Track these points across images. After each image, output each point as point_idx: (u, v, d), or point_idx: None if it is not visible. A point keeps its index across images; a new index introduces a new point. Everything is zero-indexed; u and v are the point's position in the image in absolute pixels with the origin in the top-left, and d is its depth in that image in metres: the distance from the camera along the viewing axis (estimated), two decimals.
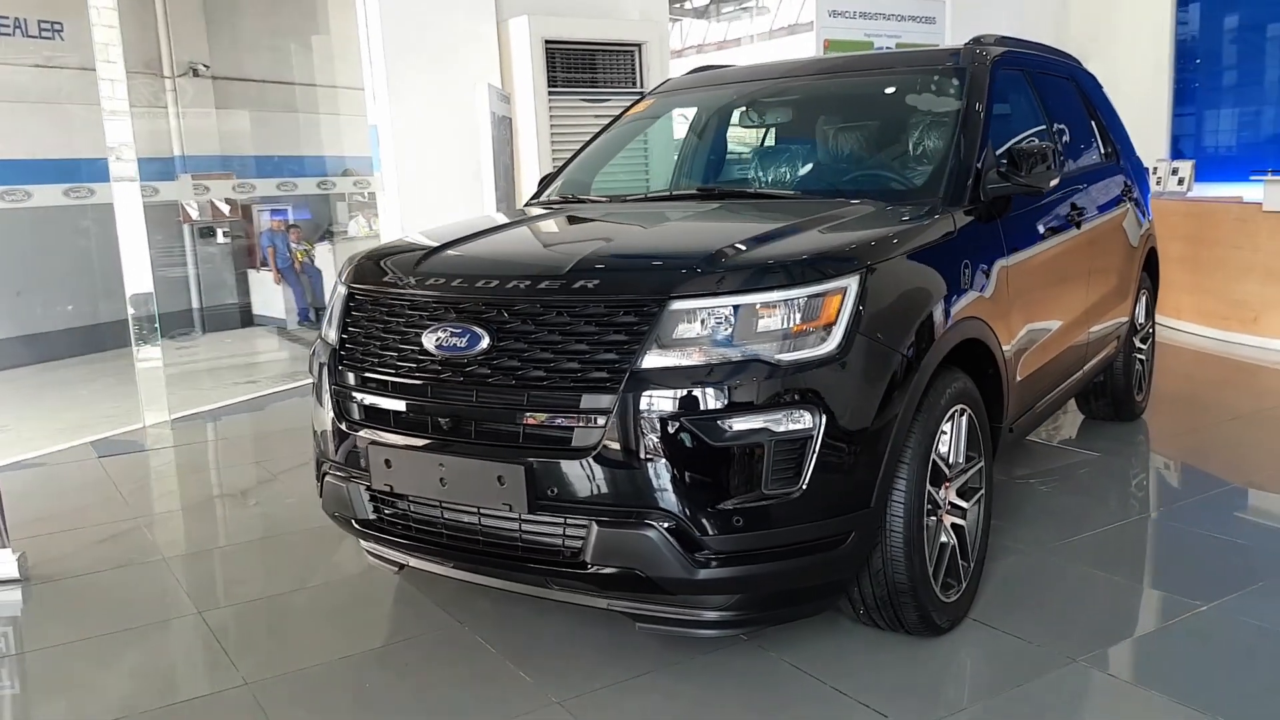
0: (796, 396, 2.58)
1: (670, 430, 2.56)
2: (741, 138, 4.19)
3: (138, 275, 6.74)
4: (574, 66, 8.15)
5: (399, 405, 2.94)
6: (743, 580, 2.65)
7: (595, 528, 2.61)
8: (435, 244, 3.30)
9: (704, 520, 2.56)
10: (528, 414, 2.70)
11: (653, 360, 2.59)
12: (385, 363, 2.99)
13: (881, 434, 2.70)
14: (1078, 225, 4.13)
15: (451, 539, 2.90)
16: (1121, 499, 4.47)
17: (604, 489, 2.61)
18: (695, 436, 2.54)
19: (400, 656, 3.12)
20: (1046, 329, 3.82)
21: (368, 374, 3.03)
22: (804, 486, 2.59)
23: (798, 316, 2.62)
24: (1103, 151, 4.92)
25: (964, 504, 3.13)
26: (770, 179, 3.83)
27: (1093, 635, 3.05)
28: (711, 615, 2.75)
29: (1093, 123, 4.94)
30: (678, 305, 2.61)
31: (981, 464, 3.21)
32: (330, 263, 11.36)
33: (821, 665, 2.92)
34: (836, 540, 2.68)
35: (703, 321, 2.61)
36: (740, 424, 2.55)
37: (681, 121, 4.48)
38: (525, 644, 3.14)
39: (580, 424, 2.63)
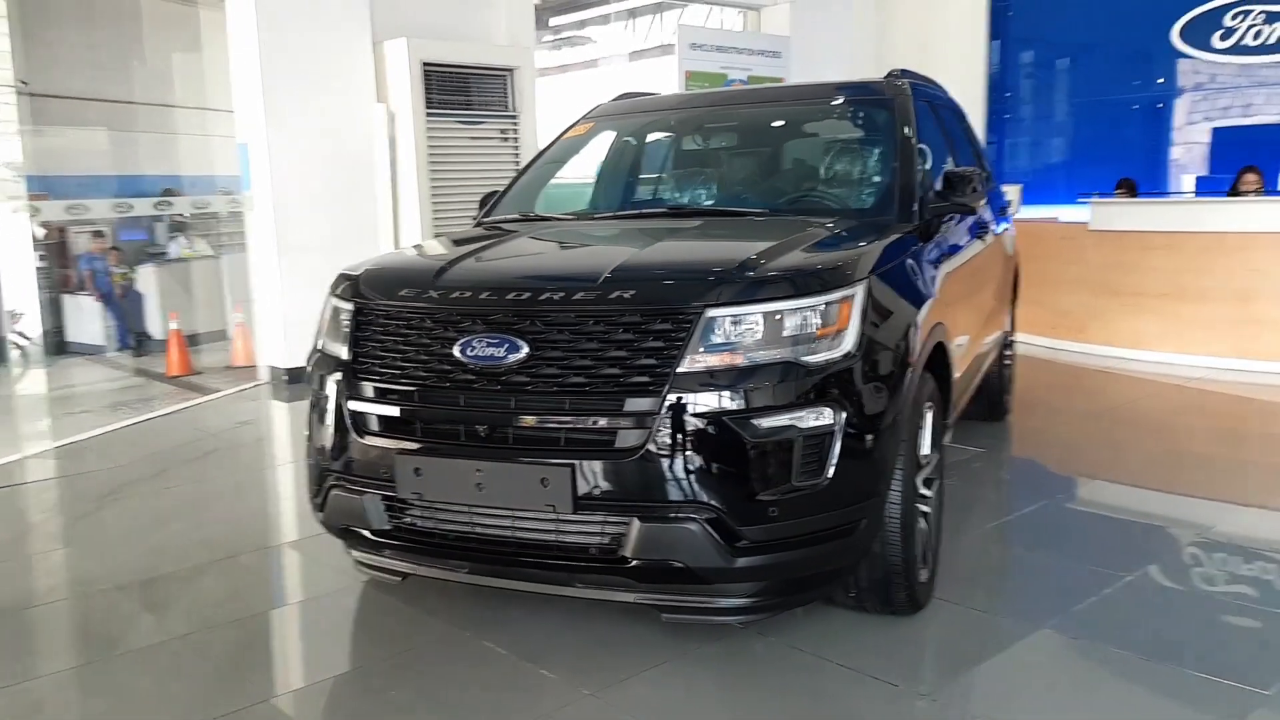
0: (821, 395, 2.83)
1: (712, 429, 2.76)
2: (696, 160, 4.42)
3: None
4: (450, 89, 8.22)
5: (428, 415, 3.01)
6: (774, 567, 2.87)
7: (638, 523, 2.78)
8: (442, 258, 3.38)
9: (743, 511, 2.77)
10: (570, 418, 2.84)
11: (692, 364, 2.79)
12: (409, 374, 3.05)
13: (889, 428, 2.99)
14: (983, 240, 4.59)
15: (480, 543, 2.99)
16: (1019, 489, 4.97)
17: (647, 486, 2.78)
18: (735, 434, 2.75)
19: (412, 666, 3.16)
20: (968, 334, 4.24)
21: (389, 386, 3.08)
22: (828, 477, 2.84)
23: (819, 321, 2.88)
24: (984, 173, 5.45)
25: (928, 492, 3.47)
26: (733, 199, 4.08)
27: (1045, 605, 3.44)
28: (735, 602, 2.95)
29: (971, 147, 5.47)
30: (713, 313, 2.82)
31: (939, 456, 3.56)
32: (154, 286, 10.83)
33: (821, 646, 3.16)
34: (852, 527, 2.94)
35: (736, 328, 2.83)
36: (775, 421, 2.78)
37: (618, 144, 4.65)
38: (534, 644, 3.24)
39: (624, 426, 2.79)
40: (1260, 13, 9.78)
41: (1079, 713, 2.80)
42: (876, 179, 3.89)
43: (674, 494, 2.78)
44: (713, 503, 2.76)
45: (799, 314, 2.86)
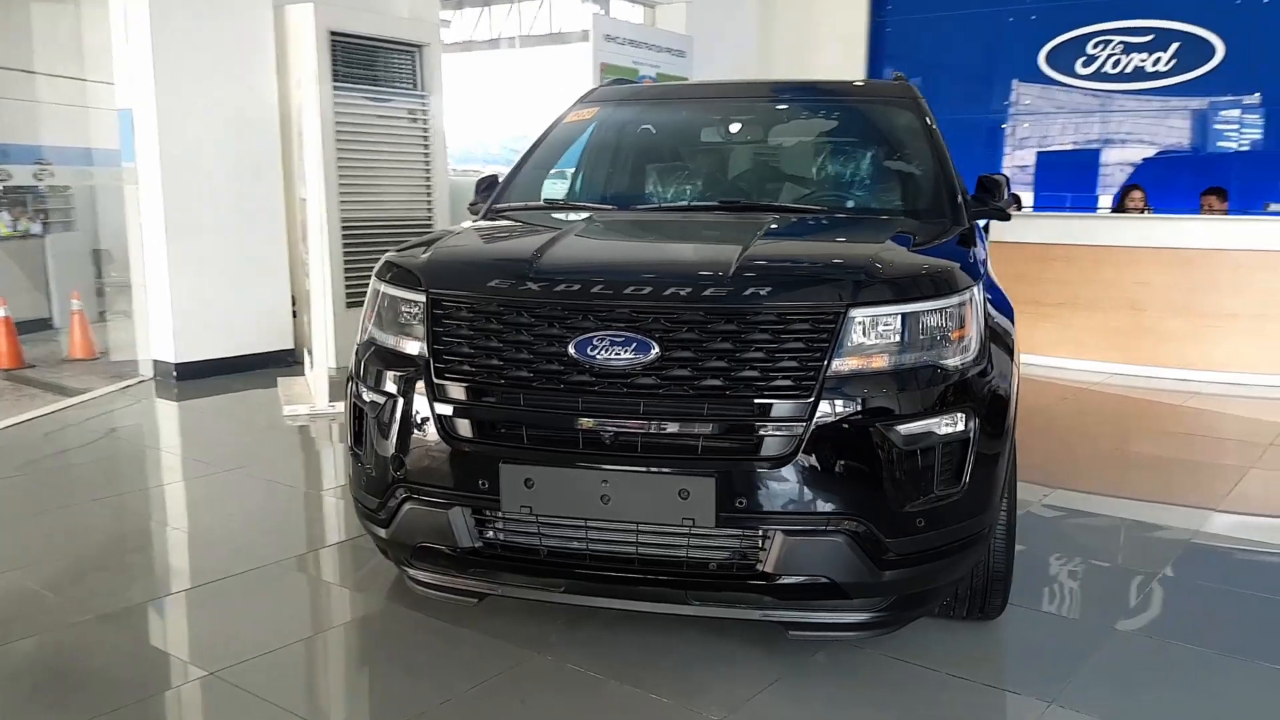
0: (957, 399, 2.75)
1: (862, 436, 2.62)
2: (730, 154, 4.24)
3: None
4: (357, 63, 7.71)
5: (538, 419, 2.73)
6: (916, 580, 2.76)
7: (781, 537, 2.61)
8: (525, 246, 3.11)
9: (891, 523, 2.65)
10: (709, 424, 2.63)
11: (840, 368, 2.64)
12: (511, 374, 2.77)
13: (1008, 433, 2.94)
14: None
15: (595, 560, 2.75)
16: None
17: (794, 497, 2.62)
18: (886, 442, 2.63)
19: (508, 692, 2.87)
20: None
21: (486, 386, 2.79)
22: (965, 485, 2.75)
23: (953, 324, 2.79)
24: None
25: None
26: (784, 196, 3.94)
27: (1108, 606, 3.48)
28: (862, 617, 2.83)
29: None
30: (857, 313, 2.68)
31: None
32: None
33: (920, 655, 3.07)
34: (981, 535, 2.87)
35: (880, 329, 2.70)
36: (922, 428, 2.67)
37: (637, 134, 4.42)
38: (622, 666, 3.01)
39: (771, 433, 2.62)
40: (1119, 43, 10.48)
41: (1201, 708, 2.84)
42: (919, 180, 3.84)
43: (821, 505, 2.63)
44: (861, 514, 2.63)
45: (936, 315, 2.77)
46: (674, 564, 2.72)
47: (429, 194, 8.36)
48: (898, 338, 2.71)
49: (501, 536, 2.82)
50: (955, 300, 2.81)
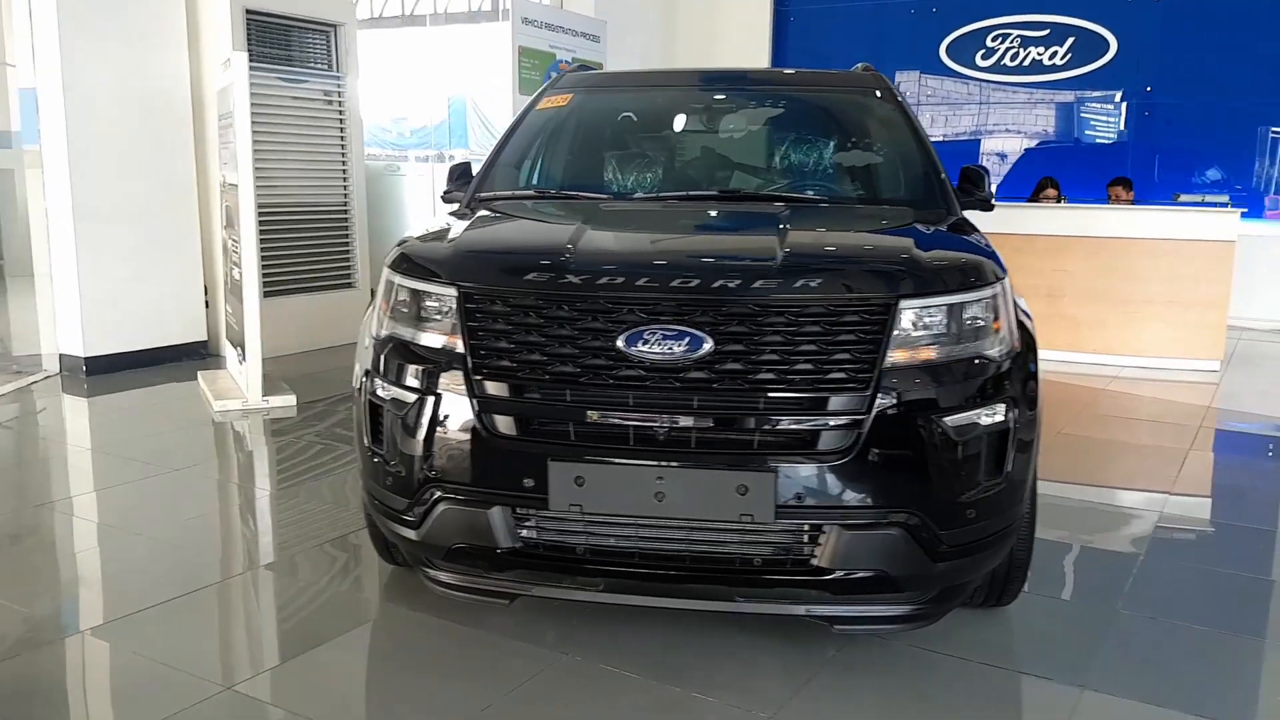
0: (998, 390, 2.76)
1: (918, 429, 2.61)
2: (717, 143, 4.16)
3: None
4: (271, 42, 7.37)
5: (589, 417, 2.63)
6: (965, 570, 2.77)
7: (838, 531, 2.59)
8: (552, 235, 2.99)
9: (945, 514, 2.65)
10: (766, 419, 2.58)
11: (894, 359, 2.62)
12: (556, 370, 2.66)
13: (1037, 421, 2.97)
14: None
15: (644, 558, 2.67)
16: None
17: (851, 491, 2.60)
18: (940, 433, 2.62)
19: (547, 696, 2.77)
20: None
21: (530, 382, 2.67)
22: (1007, 475, 2.77)
23: (992, 314, 2.81)
24: None
25: None
26: (782, 185, 3.88)
27: (1104, 590, 3.57)
28: (906, 610, 2.81)
29: None
30: (907, 304, 2.66)
31: None
32: None
33: (949, 645, 3.08)
34: (1019, 524, 2.90)
35: (928, 321, 2.69)
36: (971, 419, 2.68)
37: (620, 121, 4.30)
38: (657, 664, 2.93)
39: (829, 427, 2.58)
40: (1017, 37, 10.83)
41: (1223, 683, 2.92)
42: (912, 171, 3.85)
43: (878, 498, 2.61)
44: (916, 506, 2.62)
45: (977, 306, 2.78)
46: (725, 561, 2.66)
47: (345, 179, 8.07)
48: (944, 329, 2.71)
49: (541, 536, 2.71)
50: (991, 291, 2.83)
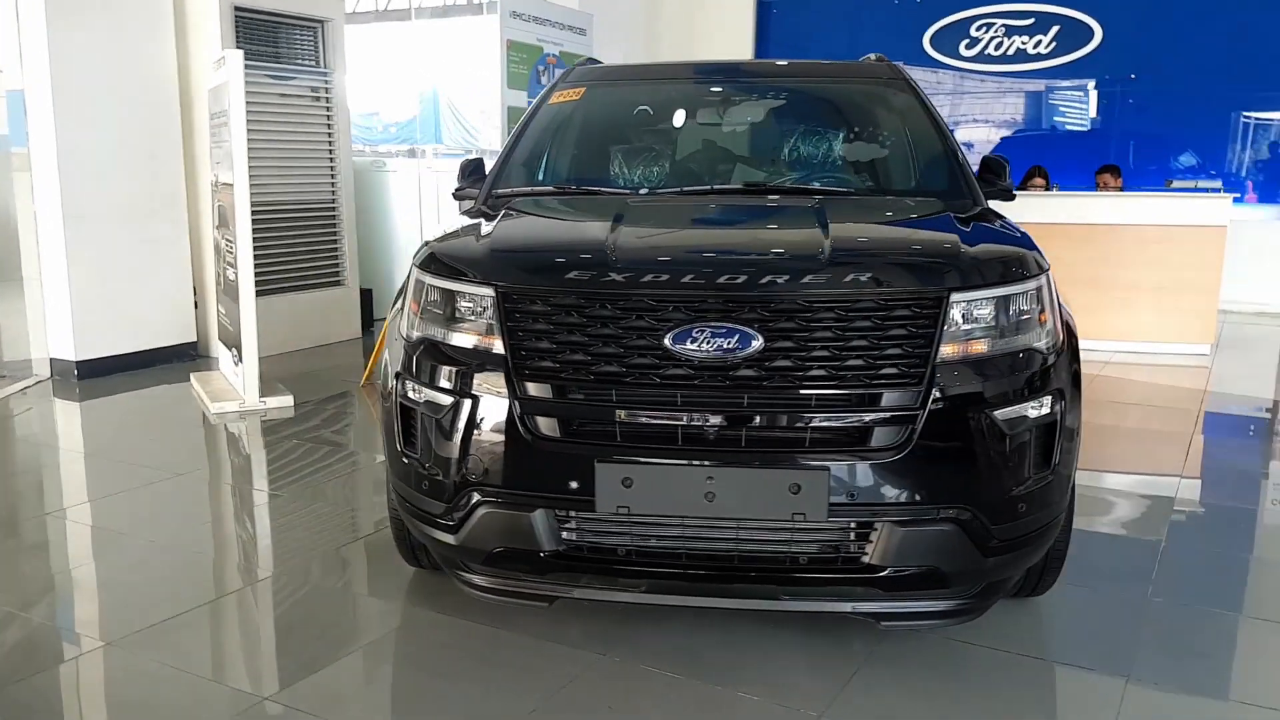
0: (1046, 382, 2.75)
1: (971, 423, 2.59)
2: (738, 136, 4.12)
3: None
4: (259, 39, 7.26)
5: (637, 417, 2.60)
6: (1013, 564, 2.76)
7: (891, 527, 2.57)
8: (585, 232, 2.97)
9: (997, 509, 2.64)
10: (818, 416, 2.56)
11: (946, 354, 2.61)
12: (601, 370, 2.62)
13: (1078, 413, 2.96)
14: None
15: (690, 559, 2.64)
16: None
17: (905, 487, 2.58)
18: (993, 427, 2.61)
19: (591, 698, 2.73)
20: None
21: (575, 382, 2.63)
22: (1054, 468, 2.77)
23: (1038, 307, 2.80)
24: None
25: None
26: (812, 177, 3.84)
27: (1132, 578, 3.58)
28: (951, 605, 2.79)
29: None
30: (958, 297, 2.64)
31: None
32: None
33: (986, 638, 3.08)
34: (1063, 516, 2.90)
35: (978, 314, 2.68)
36: (1022, 412, 2.67)
37: (636, 115, 4.25)
38: (695, 663, 2.91)
39: (882, 423, 2.56)
40: (1001, 26, 10.87)
41: (1266, 671, 2.95)
42: (936, 161, 3.83)
43: (931, 494, 2.59)
44: (969, 502, 2.61)
45: (1024, 298, 2.77)
46: (773, 560, 2.64)
47: (333, 176, 7.98)
48: (993, 322, 2.69)
49: (584, 538, 2.67)
50: (1036, 283, 2.82)
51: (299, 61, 7.64)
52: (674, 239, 3.12)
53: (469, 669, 2.91)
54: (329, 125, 7.87)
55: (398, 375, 2.92)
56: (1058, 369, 2.80)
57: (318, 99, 7.79)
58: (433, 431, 2.77)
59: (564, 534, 2.67)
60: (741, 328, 2.56)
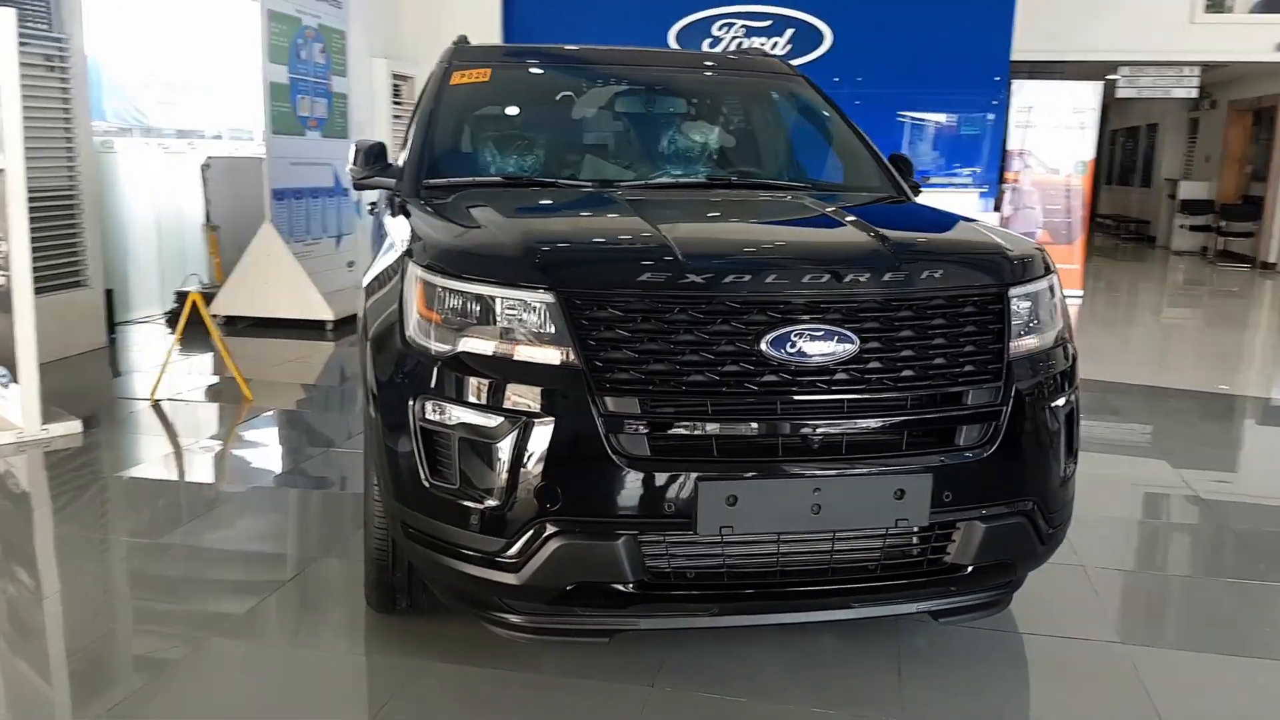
0: (1073, 373, 2.85)
1: (1039, 416, 2.64)
2: (660, 127, 3.89)
3: None
4: None
5: (735, 429, 2.40)
6: (1055, 548, 2.82)
7: (974, 525, 2.55)
8: (632, 230, 2.75)
9: (1053, 499, 2.70)
10: (915, 418, 2.49)
11: (1016, 349, 2.63)
12: (690, 379, 2.40)
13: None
14: None
15: (784, 575, 2.49)
16: None
17: (990, 484, 2.57)
18: (1054, 419, 2.67)
19: None
20: None
21: (663, 396, 2.38)
22: (1076, 453, 2.87)
23: (1058, 299, 2.89)
24: None
25: None
26: (750, 172, 3.73)
27: (1143, 554, 3.78)
28: (989, 595, 2.82)
29: None
30: (1015, 291, 2.67)
31: None
32: None
33: (1014, 624, 3.15)
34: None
35: (1026, 307, 2.71)
36: (1067, 401, 2.76)
37: (556, 102, 3.94)
38: (748, 683, 2.77)
39: (973, 421, 2.54)
40: (741, 26, 11.29)
41: None
42: (859, 156, 3.87)
43: (1010, 489, 2.60)
44: (1033, 493, 2.64)
45: (1049, 292, 2.84)
46: (863, 568, 2.54)
47: (71, 159, 6.89)
48: (1035, 315, 2.74)
49: (673, 564, 2.44)
50: (1054, 277, 2.91)
51: (28, 24, 6.50)
52: (737, 235, 2.94)
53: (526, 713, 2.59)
54: (65, 99, 6.77)
55: (415, 397, 2.52)
56: (1075, 360, 2.91)
57: (53, 68, 6.67)
58: (484, 459, 2.41)
59: (648, 561, 2.42)
60: (838, 329, 2.44)
